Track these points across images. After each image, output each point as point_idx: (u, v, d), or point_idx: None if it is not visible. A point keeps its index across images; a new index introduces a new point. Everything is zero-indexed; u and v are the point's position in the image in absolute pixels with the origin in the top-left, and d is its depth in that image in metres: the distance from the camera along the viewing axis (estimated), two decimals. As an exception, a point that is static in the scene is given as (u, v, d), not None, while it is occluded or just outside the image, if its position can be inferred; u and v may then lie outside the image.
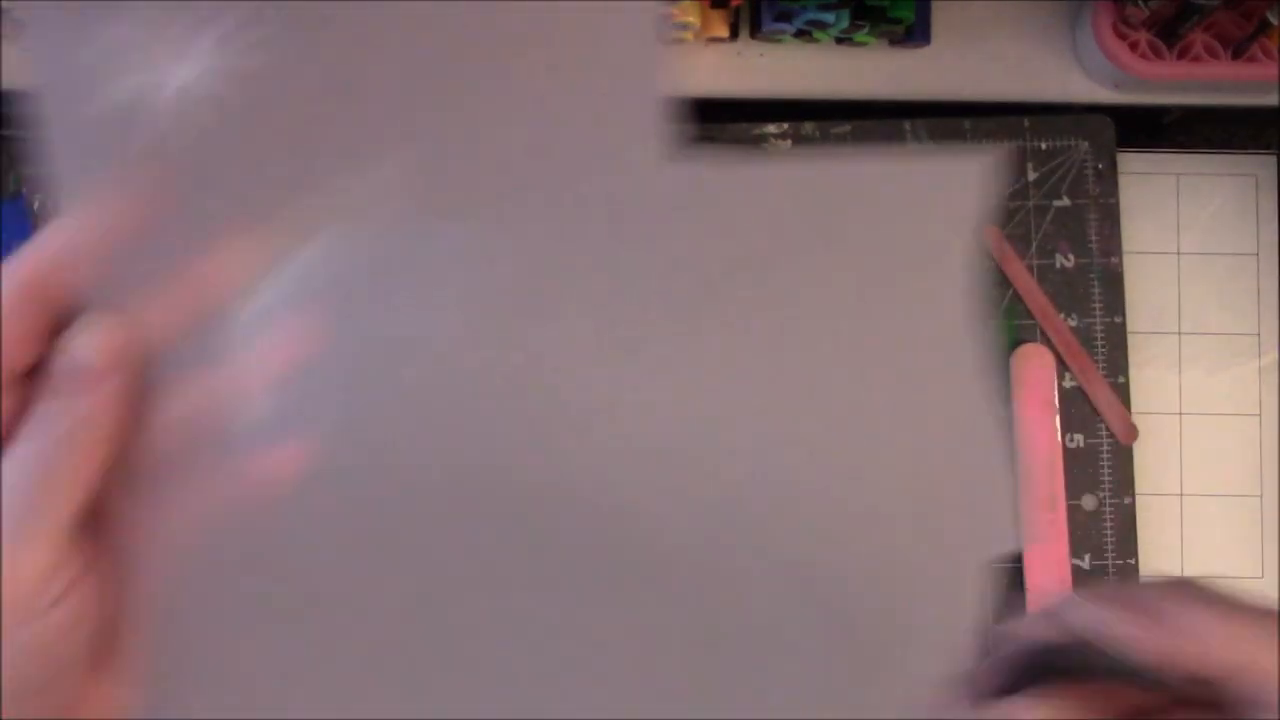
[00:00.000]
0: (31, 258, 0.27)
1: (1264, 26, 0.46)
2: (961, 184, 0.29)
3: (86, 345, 0.26)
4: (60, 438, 0.26)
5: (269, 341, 0.28)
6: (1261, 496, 0.49)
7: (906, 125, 0.50)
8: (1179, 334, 0.50)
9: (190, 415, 0.28)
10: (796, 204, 0.28)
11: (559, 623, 0.29)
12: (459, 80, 0.27)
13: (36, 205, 0.47)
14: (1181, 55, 0.48)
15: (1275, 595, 0.48)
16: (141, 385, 0.27)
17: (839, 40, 0.49)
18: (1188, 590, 0.24)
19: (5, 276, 0.27)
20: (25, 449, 0.26)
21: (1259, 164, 0.51)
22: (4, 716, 0.26)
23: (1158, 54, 0.48)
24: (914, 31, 0.49)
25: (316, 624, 0.29)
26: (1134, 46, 0.48)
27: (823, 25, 0.47)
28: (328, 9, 0.27)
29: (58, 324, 0.27)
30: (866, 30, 0.48)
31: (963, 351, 0.28)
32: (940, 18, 0.50)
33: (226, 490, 0.28)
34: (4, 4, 0.45)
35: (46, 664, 0.26)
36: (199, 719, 0.28)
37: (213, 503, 0.28)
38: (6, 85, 0.48)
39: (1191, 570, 0.49)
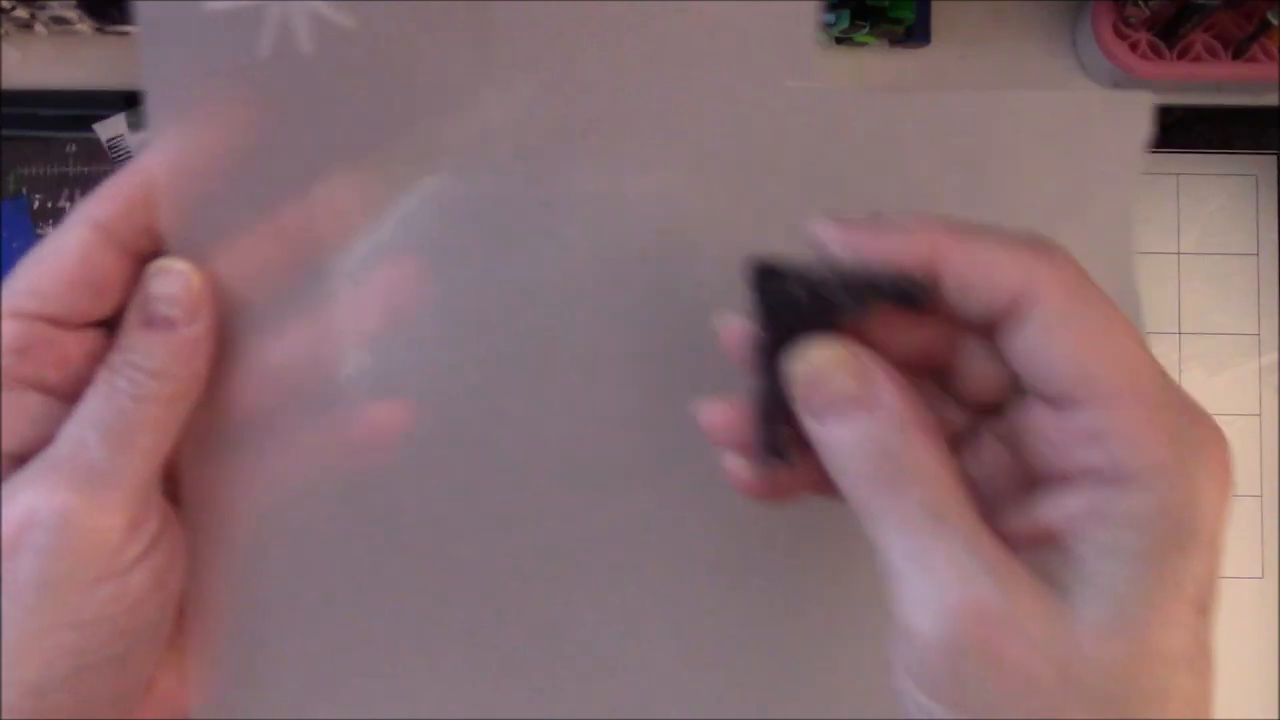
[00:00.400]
0: (110, 195, 0.25)
1: (1264, 26, 0.46)
2: (1124, 120, 0.26)
3: (162, 291, 0.25)
4: (133, 387, 0.24)
5: (370, 290, 0.26)
6: (1261, 496, 0.49)
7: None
8: (1179, 334, 0.50)
9: (285, 368, 0.26)
10: (957, 135, 0.26)
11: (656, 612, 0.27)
12: (577, 14, 0.24)
13: (36, 205, 0.47)
14: (1181, 55, 0.48)
15: (1275, 595, 0.48)
16: (224, 333, 0.25)
17: (839, 40, 0.49)
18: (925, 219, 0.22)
19: (79, 217, 0.25)
20: (98, 398, 0.24)
21: (1259, 164, 0.51)
22: (77, 688, 0.24)
23: (1158, 54, 0.48)
24: (914, 31, 0.49)
25: (410, 597, 0.26)
26: (1134, 46, 0.48)
27: (823, 25, 0.47)
28: None
29: (139, 267, 0.25)
30: (866, 30, 0.48)
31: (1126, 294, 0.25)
32: (940, 18, 0.50)
33: (323, 451, 0.26)
34: (4, 4, 0.45)
35: (124, 631, 0.24)
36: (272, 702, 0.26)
37: (308, 464, 0.26)
38: (7, 85, 0.48)
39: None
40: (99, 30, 0.47)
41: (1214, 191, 0.51)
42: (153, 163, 0.25)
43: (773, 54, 0.25)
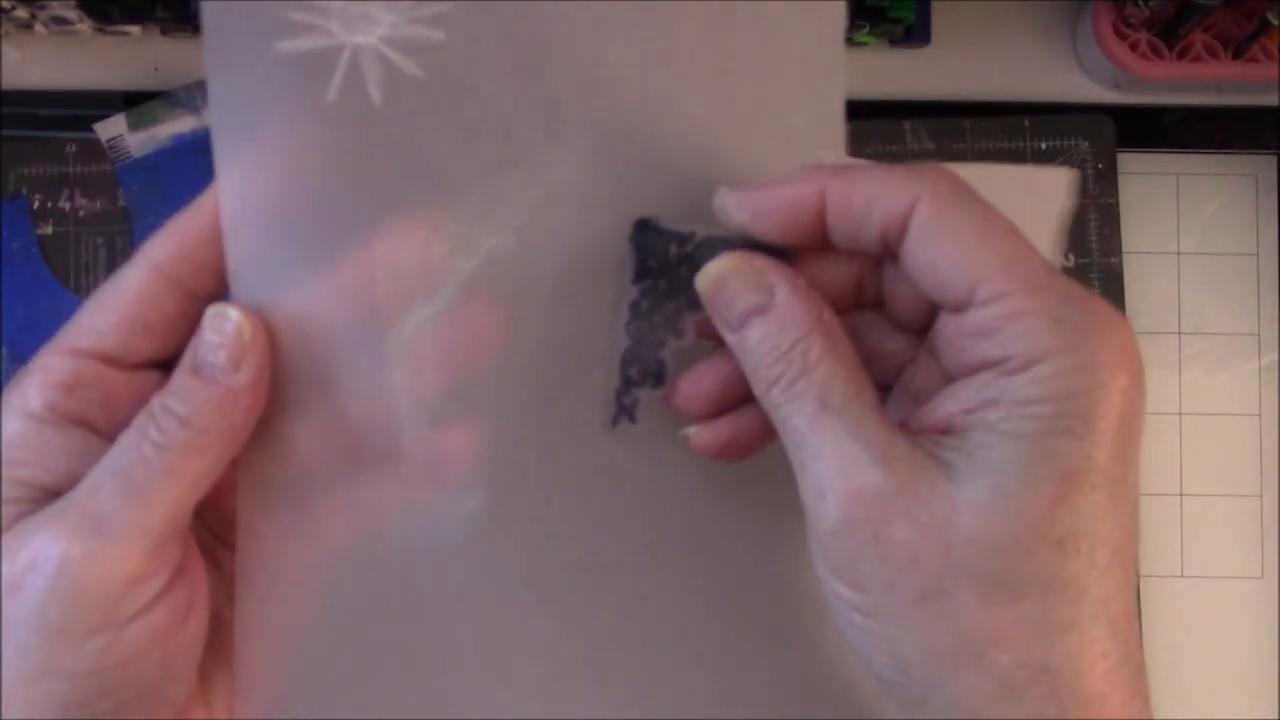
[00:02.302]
0: (170, 234, 0.24)
1: (1264, 26, 0.46)
2: (1046, 191, 0.28)
3: (211, 337, 0.24)
4: (161, 435, 0.23)
5: (430, 353, 0.25)
6: (1261, 496, 0.49)
7: (906, 125, 0.50)
8: (1179, 334, 0.50)
9: (345, 426, 0.25)
10: None
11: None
12: (638, 82, 0.25)
13: (36, 205, 0.47)
14: (1181, 55, 0.48)
15: (1275, 596, 0.48)
16: (284, 385, 0.24)
17: (839, 40, 0.49)
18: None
19: (140, 255, 0.24)
20: (124, 442, 0.23)
21: (1259, 164, 0.51)
22: (101, 715, 0.23)
23: (1158, 54, 0.48)
24: (914, 31, 0.49)
25: (467, 661, 0.26)
26: (1134, 46, 0.48)
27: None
28: None
29: (202, 308, 0.24)
30: (866, 30, 0.48)
31: None
32: (940, 18, 0.50)
33: (382, 510, 0.25)
34: (4, 4, 0.45)
35: (112, 688, 0.23)
36: None
37: (365, 524, 0.25)
38: (7, 85, 0.48)
39: (1191, 570, 0.49)
40: (99, 30, 0.47)
41: (1214, 191, 0.51)
42: (218, 201, 0.24)
43: (808, 128, 0.26)
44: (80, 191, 0.48)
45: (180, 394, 0.24)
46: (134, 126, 0.47)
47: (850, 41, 0.49)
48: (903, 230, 0.22)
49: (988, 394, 0.21)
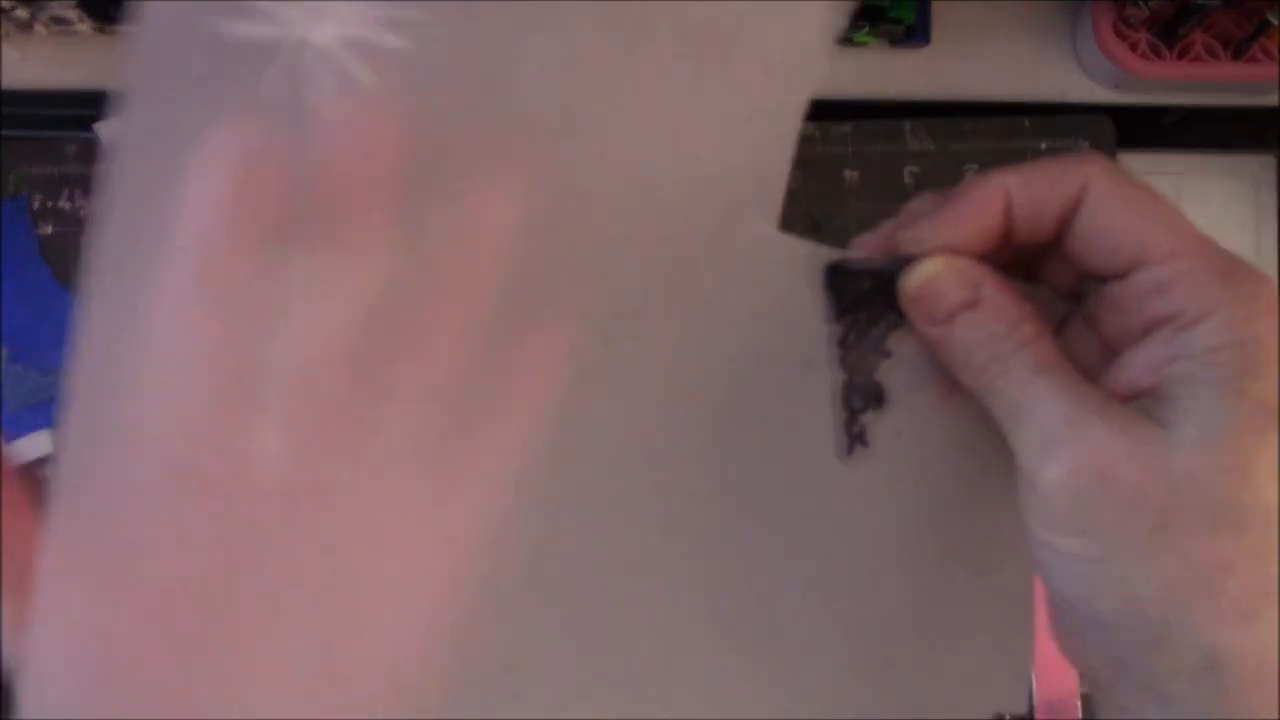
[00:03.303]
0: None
1: (1264, 26, 0.46)
2: None
3: None
4: None
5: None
6: (1261, 496, 0.49)
7: (906, 125, 0.50)
8: (1179, 334, 0.50)
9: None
10: None
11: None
12: (599, 118, 0.24)
13: (37, 205, 0.47)
14: (1181, 55, 0.48)
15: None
16: None
17: (839, 40, 0.49)
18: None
19: None
20: None
21: (1259, 164, 0.51)
22: None
23: (1158, 54, 0.48)
24: (914, 31, 0.49)
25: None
26: (1134, 46, 0.48)
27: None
28: (478, 8, 0.22)
29: None
30: (866, 30, 0.48)
31: None
32: (940, 18, 0.50)
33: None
34: (4, 4, 0.45)
35: None
36: None
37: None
38: (7, 85, 0.48)
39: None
40: (99, 30, 0.47)
41: (1214, 191, 0.51)
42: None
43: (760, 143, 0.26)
44: (81, 191, 0.48)
45: None
46: (134, 127, 0.48)
47: (850, 41, 0.49)
48: (1075, 208, 0.24)
49: (1171, 350, 0.23)
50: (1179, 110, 0.51)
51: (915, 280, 0.25)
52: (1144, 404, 0.23)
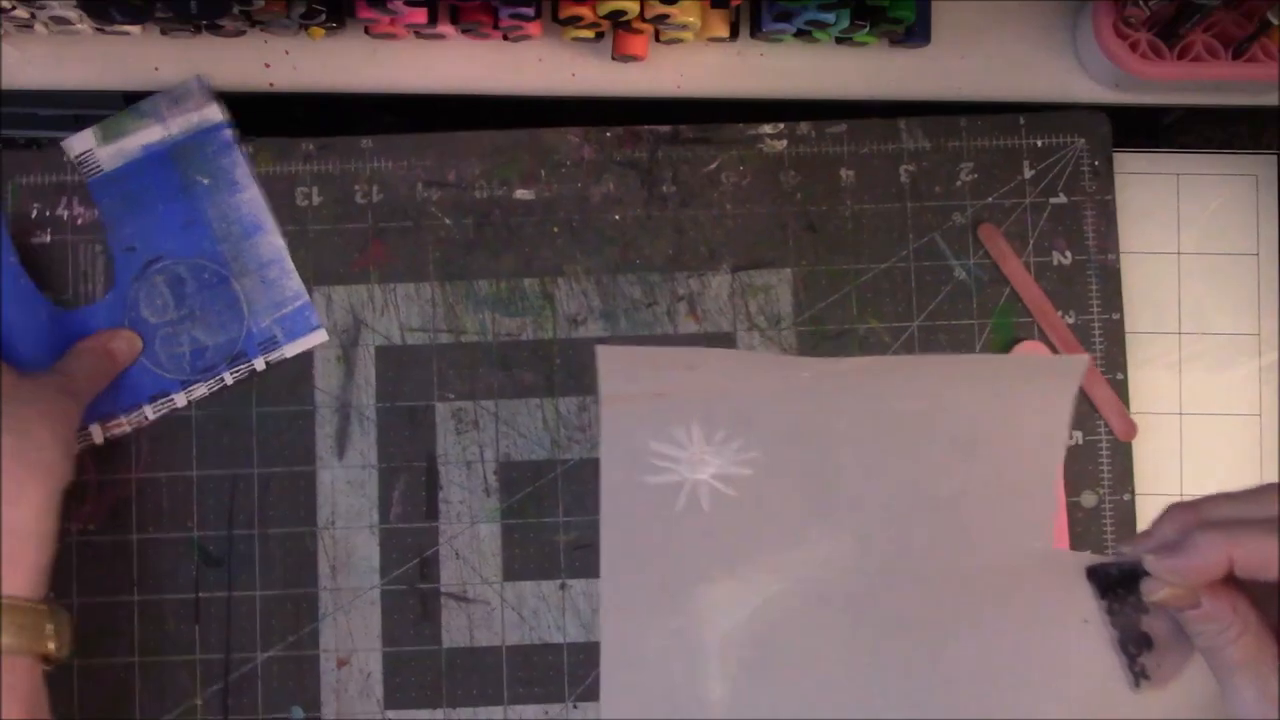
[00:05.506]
0: None
1: (1264, 26, 0.46)
2: (1062, 375, 0.37)
3: None
4: None
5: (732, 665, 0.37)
6: (1261, 497, 0.49)
7: (901, 123, 0.50)
8: (1179, 334, 0.50)
9: None
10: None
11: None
12: (896, 489, 0.37)
13: (34, 214, 0.47)
14: (1181, 55, 0.48)
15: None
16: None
17: (839, 40, 0.49)
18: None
19: None
20: None
21: (1259, 164, 0.51)
22: None
23: (1158, 54, 0.48)
24: (914, 31, 0.49)
25: None
26: (1134, 46, 0.48)
27: (823, 25, 0.47)
28: (805, 433, 0.37)
29: None
30: (866, 30, 0.48)
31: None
32: (940, 18, 0.50)
33: None
34: (4, 4, 0.45)
35: None
36: None
37: None
38: (6, 85, 0.48)
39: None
40: (99, 30, 0.47)
41: (1214, 191, 0.51)
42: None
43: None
44: (78, 199, 0.48)
45: None
46: (103, 140, 0.47)
47: (850, 41, 0.49)
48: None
49: None
50: (1179, 110, 0.51)
51: (1152, 597, 0.33)
52: None
